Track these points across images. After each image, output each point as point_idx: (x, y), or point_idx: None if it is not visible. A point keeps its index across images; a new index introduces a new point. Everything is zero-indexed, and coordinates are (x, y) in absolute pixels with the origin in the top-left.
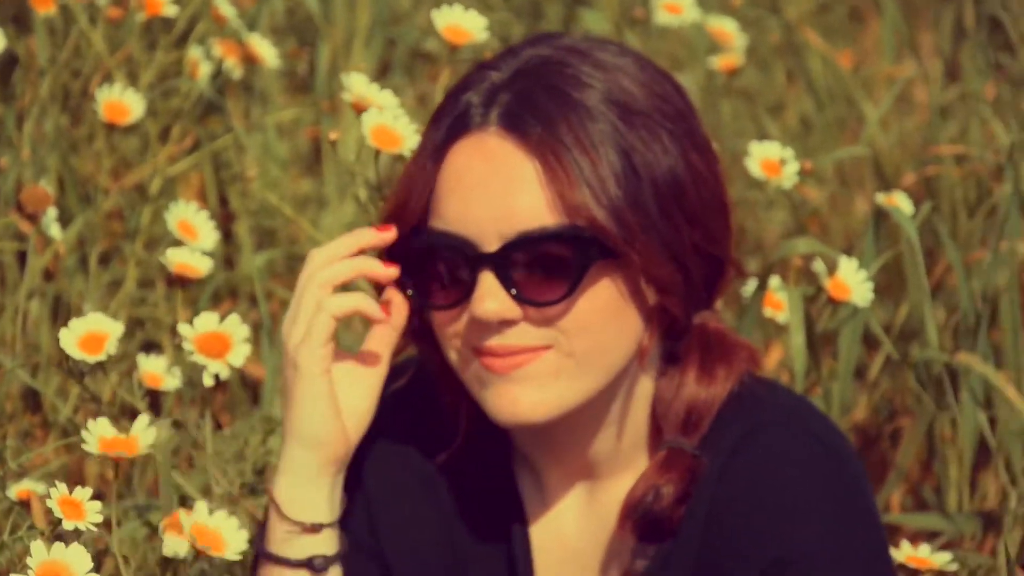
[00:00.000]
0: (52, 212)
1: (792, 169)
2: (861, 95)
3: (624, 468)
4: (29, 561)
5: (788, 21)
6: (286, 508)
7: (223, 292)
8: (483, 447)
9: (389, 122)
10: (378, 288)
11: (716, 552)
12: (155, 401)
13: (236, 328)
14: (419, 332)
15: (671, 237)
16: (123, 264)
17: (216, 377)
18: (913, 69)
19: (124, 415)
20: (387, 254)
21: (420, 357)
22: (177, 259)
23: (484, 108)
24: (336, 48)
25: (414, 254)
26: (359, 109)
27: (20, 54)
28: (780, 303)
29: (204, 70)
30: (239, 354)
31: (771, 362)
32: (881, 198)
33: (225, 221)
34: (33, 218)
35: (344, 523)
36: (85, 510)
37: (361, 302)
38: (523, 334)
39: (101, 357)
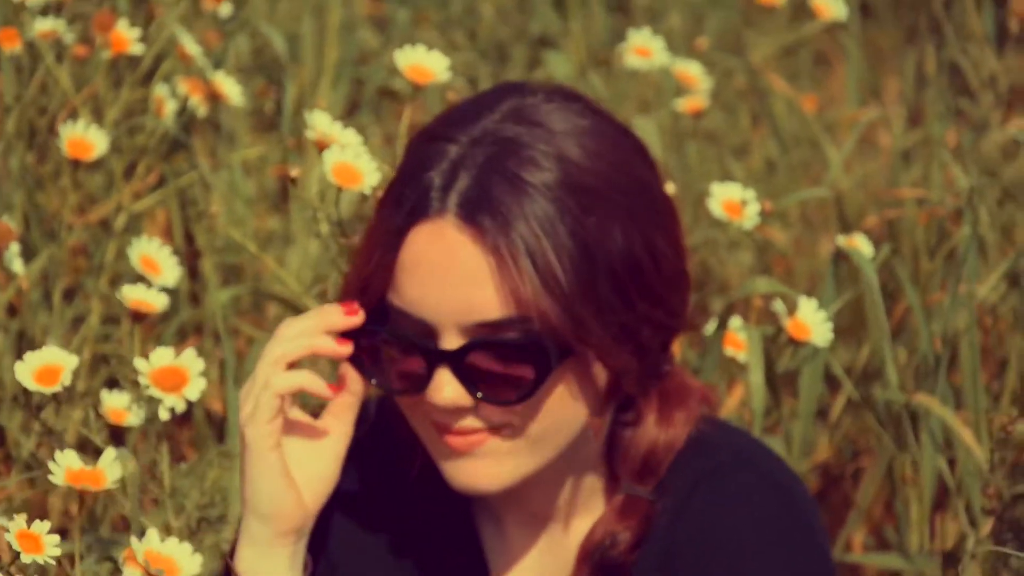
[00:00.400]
0: (15, 247)
1: (753, 210)
2: (825, 139)
3: (582, 510)
4: None
5: (753, 65)
6: None
7: (188, 329)
8: (442, 488)
9: (351, 159)
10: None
11: None
12: (120, 437)
13: (192, 362)
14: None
15: (629, 321)
16: (87, 300)
17: (182, 413)
18: (877, 113)
19: (87, 451)
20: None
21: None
22: (133, 295)
23: (442, 192)
24: (304, 87)
25: (372, 342)
26: (322, 147)
27: None
28: (741, 343)
29: (170, 108)
30: (195, 388)
31: (733, 401)
32: (842, 240)
33: (191, 258)
34: None
35: None
36: (43, 543)
37: (306, 380)
38: (479, 418)
39: (56, 389)
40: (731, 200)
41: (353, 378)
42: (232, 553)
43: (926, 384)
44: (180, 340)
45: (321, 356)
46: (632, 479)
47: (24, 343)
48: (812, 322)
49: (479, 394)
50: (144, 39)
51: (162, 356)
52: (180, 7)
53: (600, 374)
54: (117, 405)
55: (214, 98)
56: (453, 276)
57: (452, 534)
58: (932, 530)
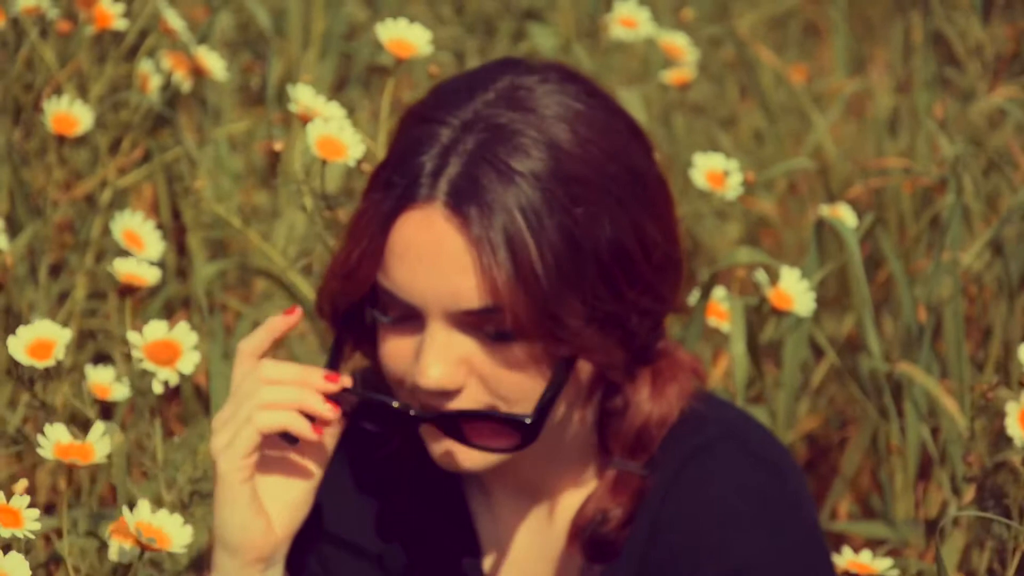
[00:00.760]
0: (0, 223)
1: (736, 180)
2: (812, 109)
3: (573, 485)
4: None
5: (740, 36)
6: None
7: (176, 304)
8: (432, 465)
9: (334, 132)
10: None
11: (660, 571)
12: (107, 412)
13: (185, 336)
14: (367, 336)
15: (617, 310)
16: (73, 275)
17: (169, 388)
18: (862, 83)
19: (74, 425)
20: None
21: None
22: (125, 269)
23: (432, 178)
24: (291, 62)
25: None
26: (306, 120)
27: None
28: (725, 313)
29: (154, 83)
30: (188, 361)
31: (717, 372)
32: (825, 209)
33: (178, 234)
34: None
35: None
36: (23, 518)
37: (290, 420)
38: (463, 400)
39: (49, 363)
40: (714, 170)
41: (333, 413)
42: None
43: (911, 353)
44: (167, 315)
45: (308, 411)
46: (624, 454)
47: (10, 319)
48: (795, 292)
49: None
50: (128, 14)
51: (155, 330)
52: None
53: (583, 363)
54: (102, 380)
55: (198, 73)
56: (440, 264)
57: (443, 508)
58: (917, 498)
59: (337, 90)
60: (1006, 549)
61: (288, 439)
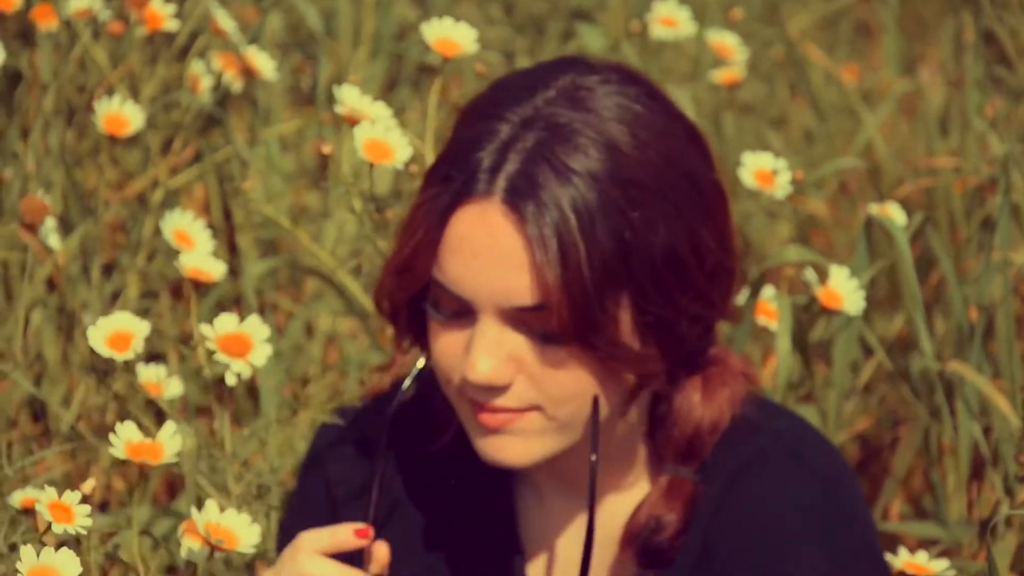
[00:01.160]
0: (51, 222)
1: (785, 179)
2: (863, 108)
3: (622, 486)
4: (19, 566)
5: (790, 36)
6: None
7: (227, 304)
8: (481, 464)
9: (381, 135)
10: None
11: None
12: (159, 412)
13: (256, 329)
14: (421, 331)
15: (667, 315)
16: (125, 275)
17: (219, 388)
18: (912, 83)
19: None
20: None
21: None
22: (191, 263)
23: (490, 174)
24: (341, 62)
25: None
26: (353, 122)
27: (24, 69)
28: (773, 312)
29: (205, 84)
30: (260, 354)
31: (767, 372)
32: (875, 208)
33: (230, 234)
34: (32, 228)
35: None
36: (75, 514)
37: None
38: (510, 397)
39: (128, 356)
40: (763, 169)
41: (379, 556)
42: None
43: (962, 353)
44: (218, 315)
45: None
46: (676, 459)
47: (63, 318)
48: (844, 290)
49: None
50: (179, 15)
51: (226, 322)
52: None
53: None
54: (154, 378)
55: (248, 73)
56: (494, 260)
57: (490, 508)
58: (970, 498)
59: (388, 90)
60: None
61: None
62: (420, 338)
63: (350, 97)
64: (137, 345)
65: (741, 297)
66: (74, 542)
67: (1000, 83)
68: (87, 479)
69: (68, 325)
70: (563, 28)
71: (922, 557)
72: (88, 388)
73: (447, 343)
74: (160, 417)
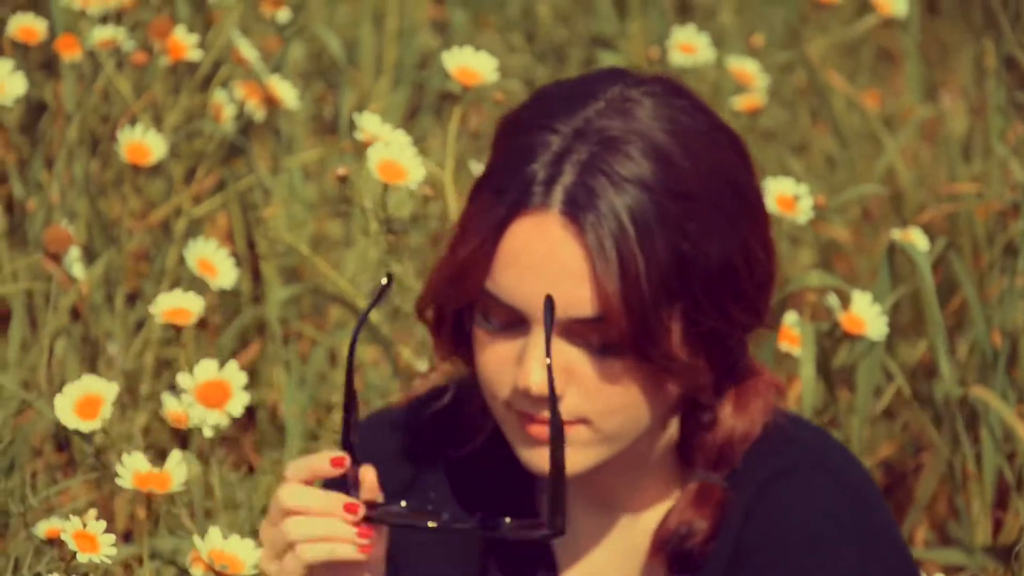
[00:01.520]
0: (75, 252)
1: (807, 204)
2: (885, 134)
3: (652, 498)
4: None
5: (811, 62)
6: None
7: (251, 332)
8: (509, 471)
9: (395, 156)
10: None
11: None
12: (184, 441)
13: (235, 376)
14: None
15: (720, 326)
16: (149, 304)
17: (246, 417)
18: (934, 108)
19: (152, 454)
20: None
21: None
22: (168, 304)
23: (546, 186)
24: (364, 91)
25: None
26: (370, 148)
27: (48, 99)
28: (796, 338)
29: (228, 113)
30: (238, 403)
31: (790, 397)
32: (897, 234)
33: (254, 262)
34: (56, 258)
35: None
36: (99, 543)
37: (336, 550)
38: (561, 409)
39: (95, 425)
40: (784, 195)
41: (368, 481)
42: None
43: (987, 379)
44: (242, 344)
45: (342, 558)
46: (707, 467)
47: (87, 347)
48: (867, 316)
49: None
50: (202, 45)
51: (206, 370)
52: (238, 12)
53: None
54: (179, 409)
55: (271, 102)
56: (552, 272)
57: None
58: (995, 524)
59: (410, 118)
60: None
61: None
62: (460, 348)
63: (370, 124)
64: (105, 412)
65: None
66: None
67: (1022, 108)
68: (112, 509)
69: (92, 354)
70: (584, 56)
71: None
72: (112, 418)
73: (496, 354)
74: (185, 447)
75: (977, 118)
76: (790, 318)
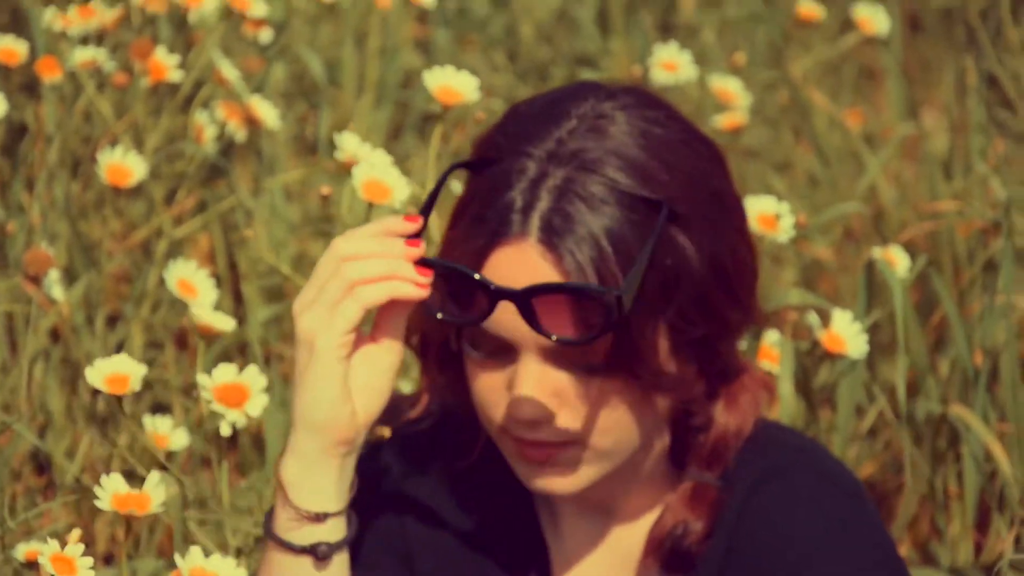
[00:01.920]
0: (54, 274)
1: (788, 223)
2: (867, 153)
3: (645, 503)
4: None
5: (793, 80)
6: (292, 494)
7: (232, 353)
8: (503, 481)
9: (379, 175)
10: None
11: None
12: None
13: (254, 379)
14: (449, 365)
15: (711, 331)
16: (129, 325)
17: (227, 439)
18: (915, 126)
19: (133, 476)
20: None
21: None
22: (202, 317)
23: (523, 214)
24: (346, 111)
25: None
26: (351, 168)
27: (29, 121)
28: (776, 356)
29: (209, 133)
30: (257, 404)
31: (771, 416)
32: (878, 252)
33: (235, 283)
34: (36, 280)
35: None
36: (77, 566)
37: (395, 288)
38: (553, 431)
39: (127, 393)
40: (765, 214)
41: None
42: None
43: (967, 396)
44: (221, 364)
45: (399, 295)
46: (700, 466)
47: (68, 369)
48: (847, 335)
49: (552, 336)
50: (183, 66)
51: (224, 373)
52: (219, 33)
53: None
54: (161, 430)
55: (252, 123)
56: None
57: (514, 526)
58: (977, 544)
59: (393, 138)
60: None
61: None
62: (447, 371)
63: (350, 144)
64: (135, 384)
65: (743, 343)
66: None
67: (1003, 126)
68: (92, 531)
69: (72, 376)
70: (567, 74)
71: None
72: (92, 440)
73: (488, 382)
74: (166, 468)
75: (958, 136)
76: (771, 336)
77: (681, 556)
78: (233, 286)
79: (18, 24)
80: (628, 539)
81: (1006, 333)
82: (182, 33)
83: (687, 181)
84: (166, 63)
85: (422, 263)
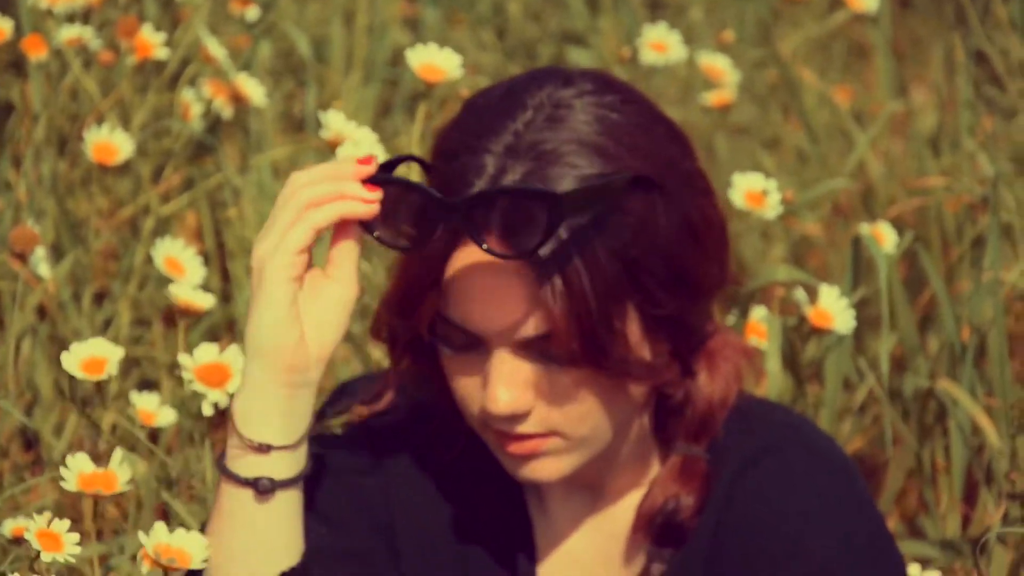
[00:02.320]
0: (40, 251)
1: (775, 200)
2: (856, 129)
3: (630, 483)
4: None
5: (782, 57)
6: (238, 422)
7: (220, 330)
8: (488, 467)
9: (363, 153)
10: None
11: (737, 568)
12: (154, 439)
13: (235, 359)
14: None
15: (674, 311)
16: (117, 303)
17: (216, 415)
18: (903, 103)
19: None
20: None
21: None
22: (181, 295)
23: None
24: (335, 89)
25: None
26: (337, 147)
27: (15, 99)
28: (764, 332)
29: (196, 111)
30: (238, 384)
31: (759, 392)
32: (866, 229)
33: (223, 261)
34: (22, 257)
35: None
36: (63, 542)
37: (343, 207)
38: (532, 423)
39: (102, 378)
40: (753, 190)
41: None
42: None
43: (955, 372)
44: (212, 341)
45: (350, 216)
46: (688, 440)
47: (55, 346)
48: (834, 310)
49: (485, 246)
50: (169, 43)
51: (205, 352)
52: (206, 10)
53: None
54: (147, 406)
55: (238, 100)
56: (499, 296)
57: (501, 509)
58: (964, 517)
59: (382, 115)
60: None
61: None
62: (421, 365)
63: (335, 122)
64: (111, 368)
65: (731, 318)
66: (67, 571)
67: (991, 103)
68: (79, 508)
69: (60, 354)
70: (554, 52)
71: (915, 570)
72: (80, 416)
73: (463, 376)
74: (155, 445)
75: (947, 112)
76: (758, 312)
77: (673, 531)
78: (221, 263)
79: (3, 2)
80: (615, 517)
81: (993, 309)
82: (168, 11)
83: (650, 158)
84: (152, 41)
85: (371, 181)
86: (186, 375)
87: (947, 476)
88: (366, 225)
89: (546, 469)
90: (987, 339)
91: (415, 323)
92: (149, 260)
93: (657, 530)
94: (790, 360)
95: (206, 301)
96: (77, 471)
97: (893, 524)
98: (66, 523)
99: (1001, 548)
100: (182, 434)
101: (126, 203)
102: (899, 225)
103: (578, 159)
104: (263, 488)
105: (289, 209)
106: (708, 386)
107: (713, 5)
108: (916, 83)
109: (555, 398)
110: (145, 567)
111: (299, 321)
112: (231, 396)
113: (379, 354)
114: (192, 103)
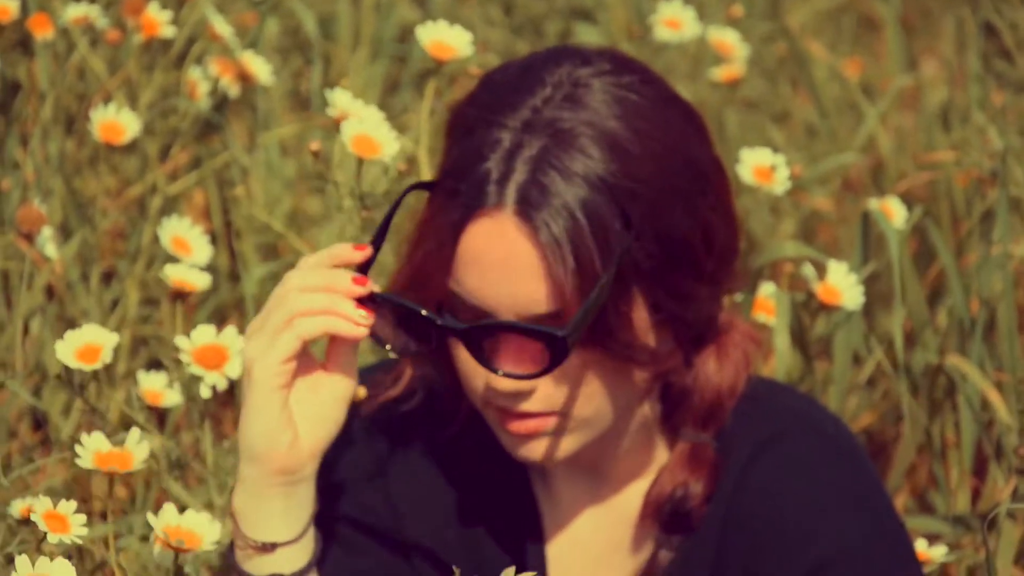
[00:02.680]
0: (47, 231)
1: (783, 175)
2: (865, 103)
3: (637, 466)
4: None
5: (791, 31)
6: (240, 522)
7: (228, 309)
8: (495, 450)
9: (370, 130)
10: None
11: (747, 557)
12: (161, 418)
13: (233, 340)
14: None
15: (676, 308)
16: (124, 282)
17: (224, 393)
18: (912, 77)
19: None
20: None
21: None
22: (175, 275)
23: (499, 185)
24: (342, 66)
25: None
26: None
27: (22, 78)
28: (773, 308)
29: (203, 89)
30: (237, 365)
31: (767, 369)
32: (875, 203)
33: (230, 240)
34: (29, 237)
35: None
36: (70, 524)
37: (332, 323)
38: (535, 401)
39: (97, 366)
40: (761, 165)
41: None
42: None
43: (965, 346)
44: (219, 321)
45: (337, 331)
46: (696, 427)
47: (63, 325)
48: (843, 286)
49: (499, 371)
50: (175, 22)
51: (204, 334)
52: None
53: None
54: (154, 386)
55: (245, 79)
56: (511, 271)
57: (506, 492)
58: (974, 492)
59: (390, 92)
60: None
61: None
62: (423, 343)
63: (342, 100)
64: (106, 356)
65: (739, 295)
66: (75, 551)
67: (1001, 76)
68: (88, 488)
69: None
70: (562, 28)
71: (922, 544)
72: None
73: (468, 354)
74: (162, 425)
75: (956, 86)
76: (767, 289)
77: (681, 518)
78: (228, 242)
79: None
80: (621, 501)
81: (1003, 283)
82: None
83: (663, 152)
84: (159, 19)
85: (367, 300)
86: (184, 357)
87: (957, 451)
88: (375, 335)
89: (544, 450)
90: (996, 313)
91: (427, 297)
92: (157, 239)
93: (665, 517)
94: (799, 336)
95: (202, 281)
96: (93, 449)
97: (903, 500)
98: (73, 504)
99: (1010, 523)
100: (190, 414)
101: (133, 182)
102: (908, 200)
103: (592, 149)
104: None
105: (281, 313)
106: (717, 374)
107: None
108: (926, 56)
109: (560, 378)
110: (157, 548)
111: (291, 424)
112: (231, 493)
113: None
114: (199, 81)
